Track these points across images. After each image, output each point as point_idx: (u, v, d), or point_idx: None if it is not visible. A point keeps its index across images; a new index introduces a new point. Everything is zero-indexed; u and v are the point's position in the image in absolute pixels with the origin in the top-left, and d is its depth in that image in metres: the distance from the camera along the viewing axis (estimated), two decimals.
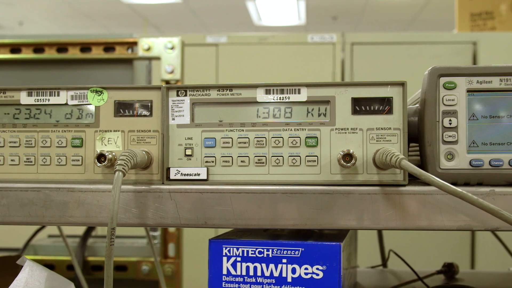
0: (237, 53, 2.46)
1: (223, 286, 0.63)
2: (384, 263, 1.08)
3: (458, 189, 0.54)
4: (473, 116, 0.61)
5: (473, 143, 0.61)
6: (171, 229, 1.40)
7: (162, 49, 1.40)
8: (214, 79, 2.45)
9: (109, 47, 1.43)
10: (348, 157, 0.60)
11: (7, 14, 6.31)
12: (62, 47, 1.43)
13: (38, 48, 1.43)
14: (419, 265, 0.99)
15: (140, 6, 6.09)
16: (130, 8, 6.11)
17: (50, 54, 1.43)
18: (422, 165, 0.63)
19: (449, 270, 0.94)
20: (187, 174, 0.63)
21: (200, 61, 2.43)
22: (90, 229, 1.46)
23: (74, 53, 1.43)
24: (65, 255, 1.42)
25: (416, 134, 0.64)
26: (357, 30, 7.08)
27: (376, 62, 2.41)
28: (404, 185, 0.61)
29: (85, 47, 1.43)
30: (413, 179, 0.65)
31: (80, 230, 1.44)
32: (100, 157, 0.62)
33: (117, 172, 0.57)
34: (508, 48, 2.34)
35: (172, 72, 1.40)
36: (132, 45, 1.42)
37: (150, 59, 1.46)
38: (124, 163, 0.58)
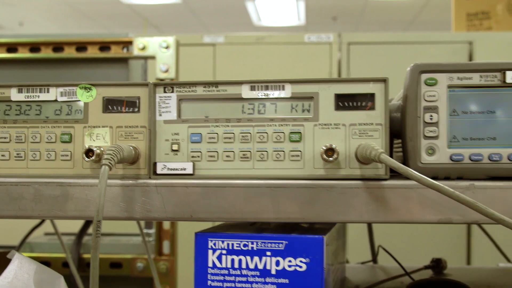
0: (234, 53, 2.47)
1: (209, 278, 0.64)
2: (374, 259, 1.09)
3: (435, 182, 0.56)
4: (454, 112, 0.62)
5: (454, 138, 0.62)
6: (166, 227, 1.41)
7: (157, 48, 1.42)
8: (211, 79, 2.46)
9: (104, 46, 1.44)
10: (330, 151, 0.61)
11: (8, 15, 6.34)
12: (58, 47, 1.45)
13: (35, 47, 1.45)
14: (414, 262, 1.00)
15: (140, 7, 6.11)
16: (130, 8, 6.13)
17: (46, 53, 1.44)
18: (404, 160, 0.64)
19: (437, 265, 0.95)
20: (174, 169, 0.64)
21: (197, 61, 2.45)
22: (85, 227, 1.47)
23: (70, 52, 1.44)
24: (61, 252, 1.43)
25: (400, 130, 0.65)
26: (357, 31, 7.10)
27: (373, 62, 2.42)
28: (385, 179, 0.62)
29: (81, 46, 1.44)
30: (396, 174, 0.66)
31: (76, 228, 1.46)
32: (88, 152, 0.64)
33: (103, 166, 0.58)
34: (503, 48, 2.35)
35: (166, 71, 1.41)
36: (128, 44, 1.44)
37: (145, 58, 1.47)
38: (110, 157, 0.59)
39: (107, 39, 1.44)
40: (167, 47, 1.42)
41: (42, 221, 1.39)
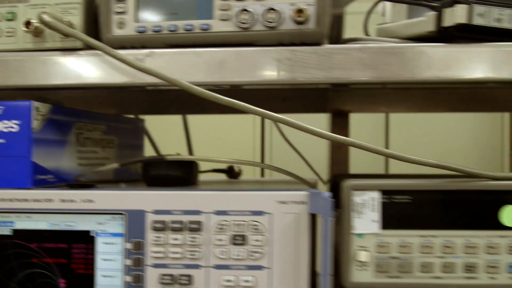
0: None
1: None
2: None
3: (101, 44, 0.66)
4: None
5: (141, 14, 0.71)
6: None
7: None
8: None
9: None
10: (28, 24, 0.71)
11: None
12: None
13: None
14: None
15: None
16: None
17: None
18: (100, 34, 0.73)
19: (230, 171, 1.04)
20: None
21: None
22: None
23: None
24: None
25: None
26: None
27: None
28: (81, 49, 0.72)
29: None
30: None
31: None
32: None
33: None
34: None
35: None
36: None
37: None
38: None
39: None
40: None
41: None
